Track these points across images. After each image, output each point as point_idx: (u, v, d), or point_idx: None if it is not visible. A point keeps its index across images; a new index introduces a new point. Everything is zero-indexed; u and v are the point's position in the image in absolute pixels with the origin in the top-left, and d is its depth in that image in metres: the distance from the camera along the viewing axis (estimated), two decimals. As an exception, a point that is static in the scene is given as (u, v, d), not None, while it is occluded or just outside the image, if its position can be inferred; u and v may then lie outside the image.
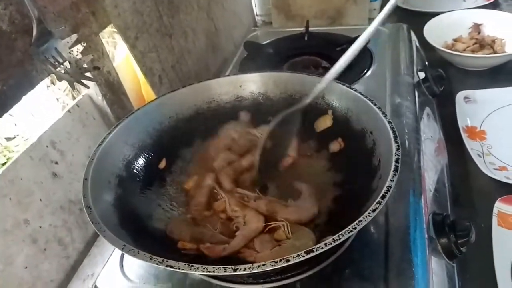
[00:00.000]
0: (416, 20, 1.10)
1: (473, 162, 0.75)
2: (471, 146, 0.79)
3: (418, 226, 0.52)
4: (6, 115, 0.69)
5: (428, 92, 0.83)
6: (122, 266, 0.54)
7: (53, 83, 0.74)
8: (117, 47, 0.83)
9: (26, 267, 0.61)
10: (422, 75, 0.84)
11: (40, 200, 0.64)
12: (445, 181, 0.69)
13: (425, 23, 1.08)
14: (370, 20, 1.21)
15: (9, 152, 0.67)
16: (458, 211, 0.66)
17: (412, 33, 1.00)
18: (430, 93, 0.83)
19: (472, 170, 0.74)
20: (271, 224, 0.50)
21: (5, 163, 0.69)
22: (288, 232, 0.48)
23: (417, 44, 0.98)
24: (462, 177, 0.74)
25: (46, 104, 0.74)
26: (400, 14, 1.26)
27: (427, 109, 0.81)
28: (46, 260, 0.65)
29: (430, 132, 0.75)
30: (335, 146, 0.59)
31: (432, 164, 0.68)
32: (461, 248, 0.53)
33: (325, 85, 0.56)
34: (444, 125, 0.85)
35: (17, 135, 0.72)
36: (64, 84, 0.74)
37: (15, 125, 0.70)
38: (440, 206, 0.62)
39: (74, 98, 0.74)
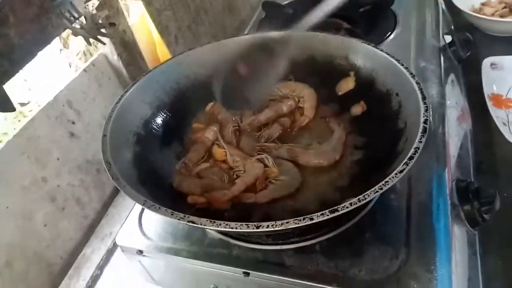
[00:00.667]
0: (442, -19, 1.04)
1: (498, 130, 0.73)
2: (496, 114, 0.76)
3: (441, 192, 0.51)
4: (20, 80, 0.68)
5: (454, 57, 0.80)
6: (141, 224, 0.54)
7: (65, 46, 0.73)
8: (132, 6, 0.81)
9: (45, 225, 0.62)
10: (448, 38, 0.81)
11: (58, 159, 0.64)
12: (468, 148, 0.68)
13: (453, -16, 1.03)
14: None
15: (24, 117, 0.66)
16: (481, 179, 0.65)
17: (439, -5, 0.95)
18: (456, 58, 0.80)
19: (496, 139, 0.72)
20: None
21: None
22: (273, 165, 0.51)
23: (444, 7, 0.94)
24: (486, 145, 0.72)
25: (59, 69, 0.73)
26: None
27: (452, 76, 0.78)
28: (65, 219, 0.66)
29: (454, 99, 0.73)
30: (357, 109, 0.57)
31: (455, 130, 0.66)
32: (485, 216, 0.52)
33: None
34: (469, 92, 0.82)
35: (31, 101, 0.71)
36: (77, 47, 0.73)
37: (29, 89, 0.69)
38: (463, 172, 0.60)
39: (86, 61, 0.73)
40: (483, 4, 1.05)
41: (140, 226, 0.54)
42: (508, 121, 0.76)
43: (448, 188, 0.52)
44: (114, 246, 0.67)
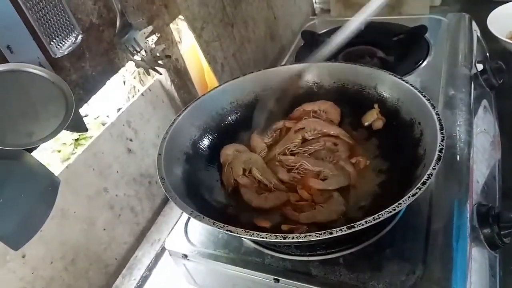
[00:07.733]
0: (480, 8, 1.06)
1: (529, 157, 0.74)
2: (529, 141, 0.77)
3: (461, 215, 0.54)
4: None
5: (485, 85, 0.82)
6: (187, 232, 0.61)
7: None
8: (184, 37, 0.91)
9: (104, 229, 0.71)
10: (480, 66, 0.83)
11: (117, 172, 0.74)
12: (496, 175, 0.70)
13: (490, 11, 1.05)
14: (432, 8, 1.19)
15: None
16: (507, 205, 0.67)
17: (474, 23, 0.98)
18: (488, 85, 0.82)
19: (526, 166, 0.73)
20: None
21: (78, 138, 0.79)
22: None
23: (479, 35, 0.96)
24: (515, 172, 0.73)
25: (114, 86, 0.82)
26: (463, 1, 1.22)
27: (484, 102, 0.80)
28: (120, 225, 0.75)
29: (484, 125, 0.75)
30: (378, 123, 0.63)
31: (483, 157, 0.68)
32: (504, 239, 0.54)
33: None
34: (502, 118, 0.83)
35: (88, 115, 0.81)
36: (133, 68, 0.83)
37: (88, 104, 0.79)
38: (487, 198, 0.63)
39: (141, 81, 0.82)
40: (521, 30, 1.05)
41: (186, 233, 0.62)
42: (541, 148, 0.77)
43: (468, 212, 0.55)
44: (162, 250, 0.75)
